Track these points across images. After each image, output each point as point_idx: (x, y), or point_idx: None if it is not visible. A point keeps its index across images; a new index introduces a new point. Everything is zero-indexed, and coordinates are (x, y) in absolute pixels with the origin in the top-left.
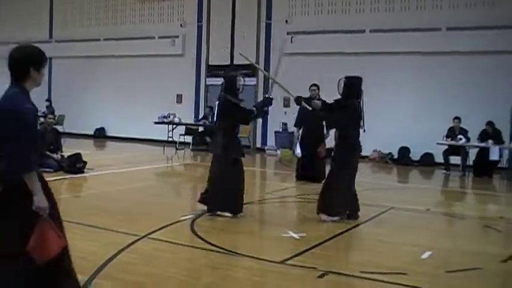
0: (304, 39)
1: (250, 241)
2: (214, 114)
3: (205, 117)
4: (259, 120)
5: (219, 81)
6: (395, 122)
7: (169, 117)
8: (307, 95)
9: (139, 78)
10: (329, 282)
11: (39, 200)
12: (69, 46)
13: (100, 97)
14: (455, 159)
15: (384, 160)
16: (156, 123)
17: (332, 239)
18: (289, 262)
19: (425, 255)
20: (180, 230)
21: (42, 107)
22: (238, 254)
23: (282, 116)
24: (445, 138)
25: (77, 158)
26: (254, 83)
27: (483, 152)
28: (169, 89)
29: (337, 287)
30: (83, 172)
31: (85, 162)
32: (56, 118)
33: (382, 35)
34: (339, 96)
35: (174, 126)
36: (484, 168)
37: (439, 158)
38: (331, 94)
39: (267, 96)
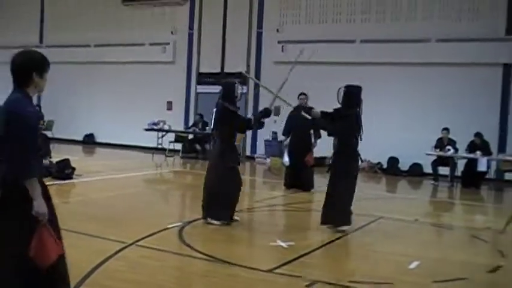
0: (295, 48)
1: (238, 249)
2: (203, 122)
3: (195, 124)
4: None
5: (210, 89)
6: (385, 132)
7: (159, 124)
8: (295, 103)
9: (129, 85)
10: None
11: (39, 205)
12: (60, 52)
13: (90, 103)
14: (443, 170)
15: (373, 170)
16: (146, 130)
17: (320, 248)
18: (277, 271)
19: (413, 265)
20: (168, 238)
21: None
22: (225, 262)
23: (272, 125)
24: (433, 148)
25: (65, 163)
26: (245, 91)
27: (471, 163)
28: (160, 96)
29: None
30: (71, 178)
31: (73, 168)
32: (45, 123)
33: (373, 46)
34: (326, 105)
35: (164, 133)
36: (472, 179)
37: (428, 169)
38: (320, 103)
39: (268, 108)
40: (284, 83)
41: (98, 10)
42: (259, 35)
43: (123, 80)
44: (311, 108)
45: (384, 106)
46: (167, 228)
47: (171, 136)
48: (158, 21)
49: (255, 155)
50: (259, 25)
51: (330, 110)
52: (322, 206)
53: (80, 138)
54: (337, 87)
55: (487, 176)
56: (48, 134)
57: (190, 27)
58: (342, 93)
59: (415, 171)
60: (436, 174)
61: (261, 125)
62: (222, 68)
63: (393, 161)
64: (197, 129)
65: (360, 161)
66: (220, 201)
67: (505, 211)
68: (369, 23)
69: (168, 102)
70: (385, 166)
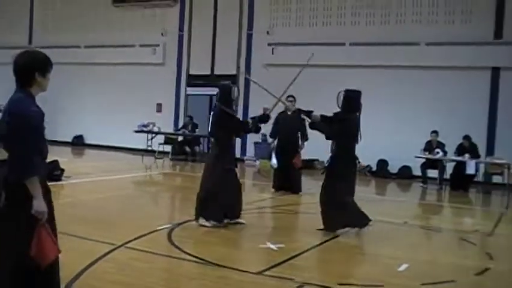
0: (285, 50)
1: (228, 251)
2: (193, 124)
3: (184, 126)
4: None
5: (199, 90)
6: (374, 134)
7: (148, 126)
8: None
9: (119, 86)
10: None
11: (38, 205)
12: (49, 53)
13: (79, 104)
14: (432, 173)
15: (362, 172)
16: (135, 131)
17: (310, 250)
18: (266, 273)
19: (402, 268)
20: (157, 240)
21: None
22: (215, 264)
23: (262, 127)
24: (422, 151)
25: (54, 165)
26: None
27: (460, 166)
28: (149, 97)
29: None
30: (60, 180)
31: (62, 170)
32: None
33: (363, 48)
34: (316, 108)
35: (154, 135)
36: (460, 181)
37: (417, 171)
38: (310, 105)
39: (267, 113)
40: (289, 86)
41: (87, 11)
42: (250, 37)
43: (112, 82)
44: (311, 111)
45: (373, 109)
46: (156, 230)
47: (161, 138)
48: (148, 23)
49: (244, 157)
50: (250, 27)
51: (330, 114)
52: (321, 211)
53: (69, 139)
54: (326, 89)
55: (476, 179)
56: None
57: (181, 29)
58: (342, 98)
59: (404, 173)
60: (425, 177)
61: (258, 129)
62: (212, 69)
63: (382, 163)
64: (187, 131)
65: (357, 164)
66: (214, 202)
67: (492, 214)
68: (358, 25)
69: (157, 104)
70: (374, 169)
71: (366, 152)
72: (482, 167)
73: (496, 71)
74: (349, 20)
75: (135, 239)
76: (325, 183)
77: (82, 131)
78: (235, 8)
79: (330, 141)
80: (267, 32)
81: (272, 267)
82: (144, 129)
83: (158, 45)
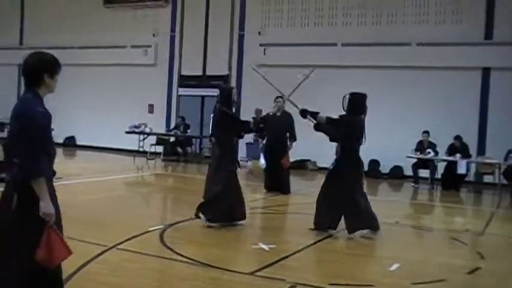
0: (277, 51)
1: (220, 252)
2: (185, 124)
3: (176, 127)
4: None
5: (191, 91)
6: (366, 135)
7: (140, 127)
8: (271, 106)
9: (110, 87)
10: None
11: (45, 206)
12: None
13: (71, 105)
14: (424, 173)
15: None
16: (127, 132)
17: (302, 250)
18: (258, 273)
19: (393, 267)
20: (149, 241)
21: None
22: (207, 265)
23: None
24: (414, 151)
25: None
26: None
27: (451, 166)
28: (141, 98)
29: None
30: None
31: (54, 171)
32: None
33: (354, 49)
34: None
35: (145, 136)
36: (451, 181)
37: (408, 171)
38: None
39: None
40: (297, 87)
41: (79, 12)
42: (241, 38)
43: (104, 83)
44: (317, 113)
45: None
46: (148, 231)
47: (153, 139)
48: (140, 24)
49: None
50: (241, 28)
51: (336, 116)
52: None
53: (61, 140)
54: (318, 90)
55: (467, 179)
56: None
57: (172, 30)
58: (347, 100)
59: (396, 173)
60: (416, 177)
61: (259, 129)
62: (204, 70)
63: (374, 163)
64: (179, 132)
65: (363, 166)
66: (220, 204)
67: (483, 213)
68: (350, 26)
69: (149, 104)
70: (366, 169)
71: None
72: (473, 166)
73: (486, 71)
74: (341, 21)
75: (127, 240)
76: (328, 184)
77: (74, 132)
78: (226, 9)
79: (323, 143)
80: (259, 33)
81: (264, 267)
82: (136, 130)
83: (150, 46)
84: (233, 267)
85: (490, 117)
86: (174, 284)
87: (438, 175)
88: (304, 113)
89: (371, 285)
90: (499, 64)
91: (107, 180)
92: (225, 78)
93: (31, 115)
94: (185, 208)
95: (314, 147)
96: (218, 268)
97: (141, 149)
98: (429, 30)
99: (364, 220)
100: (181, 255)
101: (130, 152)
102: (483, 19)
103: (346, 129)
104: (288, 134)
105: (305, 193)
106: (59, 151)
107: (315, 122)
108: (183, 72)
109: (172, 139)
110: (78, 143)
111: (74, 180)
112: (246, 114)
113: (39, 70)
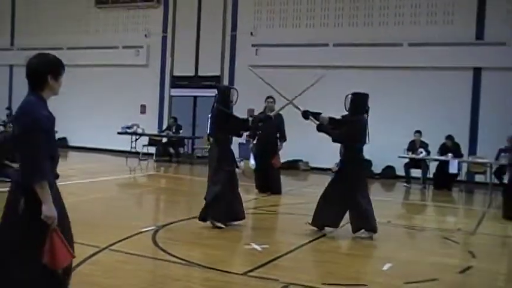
0: (269, 51)
1: (213, 253)
2: (177, 125)
3: (168, 128)
4: None
5: (183, 92)
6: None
7: (132, 127)
8: (263, 105)
9: (102, 88)
10: None
11: (47, 209)
12: (31, 54)
13: (62, 106)
14: (416, 172)
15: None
16: (119, 133)
17: (294, 250)
18: (251, 274)
19: (385, 267)
20: (142, 242)
21: (2, 116)
22: (199, 265)
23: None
24: (406, 151)
25: None
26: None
27: (443, 165)
28: (133, 99)
29: None
30: None
31: None
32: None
33: (345, 49)
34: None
35: (138, 136)
36: (443, 181)
37: (401, 171)
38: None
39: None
40: (305, 91)
41: (70, 12)
42: (233, 38)
43: (96, 83)
44: (319, 113)
45: None
46: (141, 232)
47: (145, 140)
48: (132, 24)
49: None
50: (233, 28)
51: (338, 117)
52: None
53: None
54: (310, 90)
55: (458, 178)
56: None
57: (164, 30)
58: (349, 100)
59: (388, 173)
60: (408, 177)
61: (258, 128)
62: (196, 71)
63: (366, 163)
64: (171, 133)
65: (365, 166)
66: (222, 204)
67: (475, 212)
68: (341, 27)
69: (141, 105)
70: None
71: None
72: (464, 166)
73: (477, 71)
74: (333, 22)
75: (120, 241)
76: (333, 184)
77: (65, 133)
78: (218, 9)
79: (315, 143)
80: (251, 33)
81: (257, 268)
82: (128, 130)
83: (142, 46)
84: (226, 268)
85: (481, 116)
86: (167, 285)
87: (430, 175)
88: (306, 114)
89: (364, 285)
90: (490, 64)
91: (99, 181)
92: (217, 79)
93: (35, 118)
94: (177, 209)
95: (306, 147)
96: (211, 268)
97: (133, 150)
98: (420, 30)
99: (363, 221)
100: (174, 256)
101: (123, 152)
102: (474, 19)
103: (348, 129)
104: (278, 134)
105: (297, 193)
106: None
107: (317, 123)
108: (175, 73)
109: (164, 140)
110: (70, 144)
111: (65, 182)
112: (238, 115)
113: (43, 72)
